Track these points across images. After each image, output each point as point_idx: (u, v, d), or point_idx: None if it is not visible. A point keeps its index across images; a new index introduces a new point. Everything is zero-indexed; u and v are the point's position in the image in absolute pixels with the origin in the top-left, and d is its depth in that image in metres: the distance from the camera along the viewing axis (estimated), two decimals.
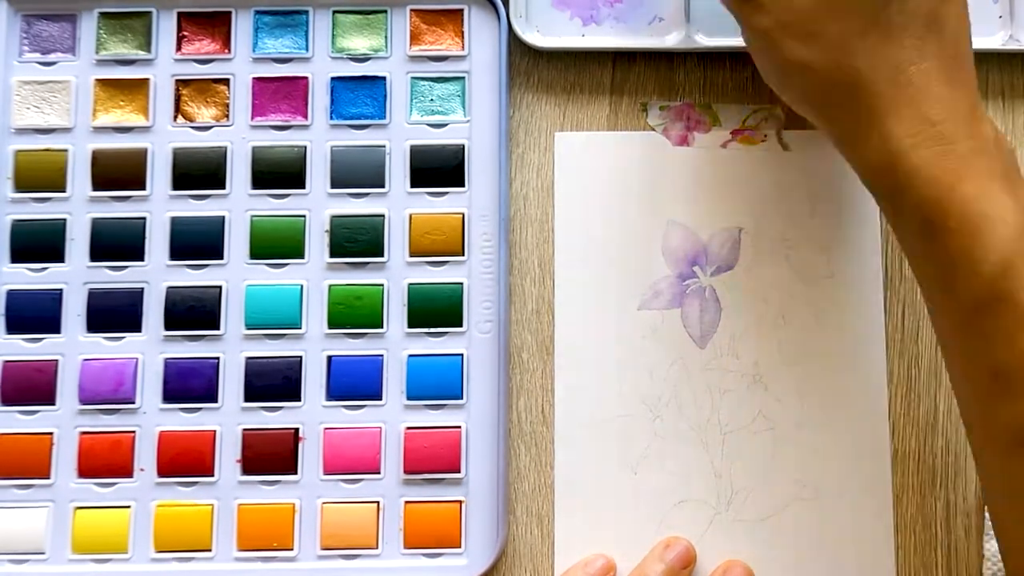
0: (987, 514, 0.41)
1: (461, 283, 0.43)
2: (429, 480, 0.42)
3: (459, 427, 0.42)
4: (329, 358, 0.43)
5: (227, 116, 0.44)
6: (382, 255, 0.43)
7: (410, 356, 0.43)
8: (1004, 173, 0.34)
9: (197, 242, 0.43)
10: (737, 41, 0.44)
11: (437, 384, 0.42)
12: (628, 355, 0.43)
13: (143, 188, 0.43)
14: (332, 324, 0.43)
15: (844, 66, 0.35)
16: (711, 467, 0.42)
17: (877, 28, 0.34)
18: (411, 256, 0.43)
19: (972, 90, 0.35)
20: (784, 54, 0.36)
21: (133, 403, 0.42)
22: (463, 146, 0.44)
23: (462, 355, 0.43)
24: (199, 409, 0.42)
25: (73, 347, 0.43)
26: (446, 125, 0.44)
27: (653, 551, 0.41)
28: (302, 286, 0.43)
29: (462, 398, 0.42)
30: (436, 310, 0.43)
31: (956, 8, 0.35)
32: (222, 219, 0.43)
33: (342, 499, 0.42)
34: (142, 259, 0.43)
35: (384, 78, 0.44)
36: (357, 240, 0.43)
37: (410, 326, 0.43)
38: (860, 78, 0.34)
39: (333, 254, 0.43)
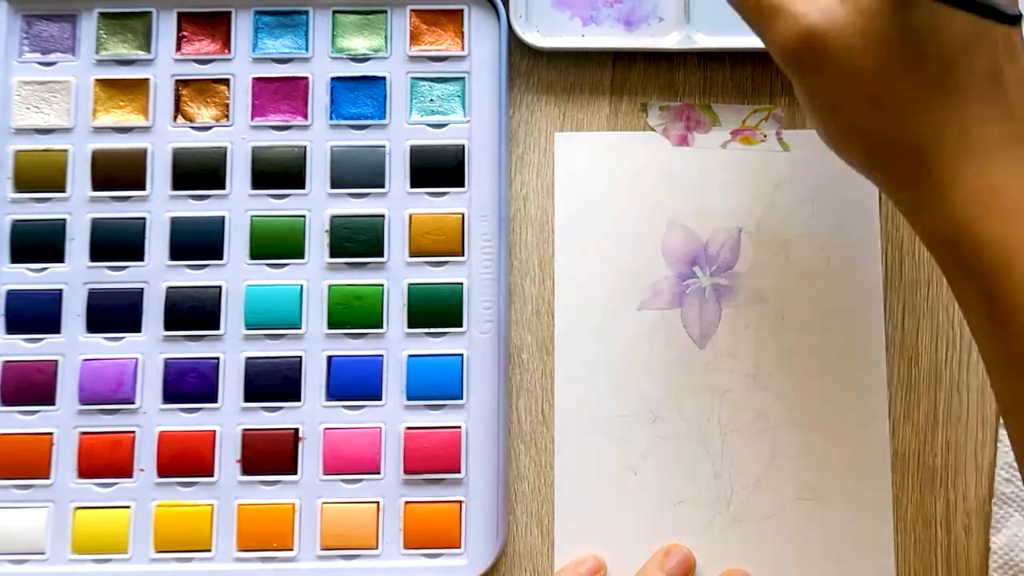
0: (994, 508, 0.41)
1: (461, 283, 0.43)
2: (429, 480, 0.42)
3: (459, 427, 0.42)
4: (329, 358, 0.43)
5: (227, 116, 0.44)
6: (382, 255, 0.43)
7: (410, 356, 0.43)
8: None
9: (197, 242, 0.43)
10: (737, 41, 0.44)
11: (437, 384, 0.42)
12: (628, 355, 0.43)
13: (143, 188, 0.43)
14: (332, 324, 0.43)
15: (908, 131, 0.33)
16: (711, 467, 0.42)
17: (942, 92, 0.32)
18: (411, 256, 0.43)
19: None
20: (845, 117, 0.33)
21: (133, 403, 0.42)
22: (463, 146, 0.44)
23: (462, 355, 0.43)
24: (199, 409, 0.42)
25: (73, 347, 0.43)
26: (446, 125, 0.44)
27: (653, 559, 0.41)
28: (302, 286, 0.43)
29: (462, 398, 0.42)
30: (436, 310, 0.43)
31: (1021, 69, 0.33)
32: (222, 219, 0.43)
33: (342, 499, 0.42)
34: (142, 259, 0.43)
35: (384, 78, 0.44)
36: (357, 240, 0.43)
37: (410, 326, 0.43)
38: (924, 143, 0.32)
39: (333, 254, 0.43)
